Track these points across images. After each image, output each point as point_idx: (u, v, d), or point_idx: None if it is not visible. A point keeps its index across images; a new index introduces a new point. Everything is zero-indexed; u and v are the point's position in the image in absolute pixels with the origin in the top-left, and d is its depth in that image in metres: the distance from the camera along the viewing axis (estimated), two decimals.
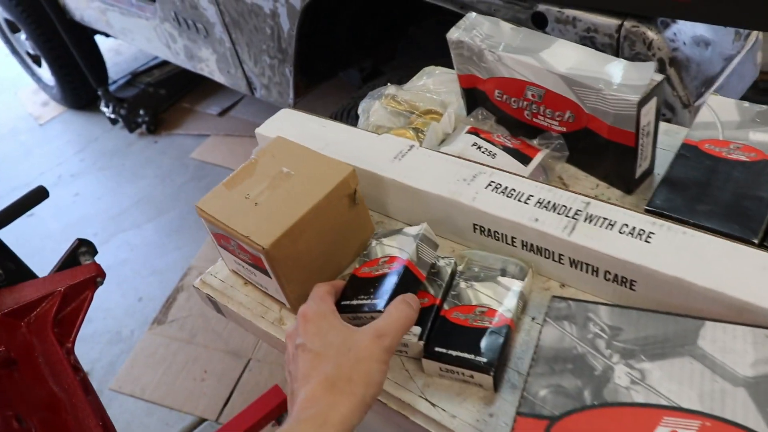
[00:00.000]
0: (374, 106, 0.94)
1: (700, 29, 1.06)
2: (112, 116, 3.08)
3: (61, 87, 3.27)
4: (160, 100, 3.11)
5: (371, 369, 0.54)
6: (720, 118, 0.74)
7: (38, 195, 1.34)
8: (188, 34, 2.08)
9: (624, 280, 0.63)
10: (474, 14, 0.86)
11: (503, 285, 0.67)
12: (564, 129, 0.79)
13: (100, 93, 3.06)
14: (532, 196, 0.69)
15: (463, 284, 0.68)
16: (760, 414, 0.48)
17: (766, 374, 0.51)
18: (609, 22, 1.03)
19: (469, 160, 0.76)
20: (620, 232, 0.63)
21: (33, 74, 3.48)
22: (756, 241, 0.62)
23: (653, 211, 0.67)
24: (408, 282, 0.66)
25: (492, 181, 0.72)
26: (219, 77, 2.17)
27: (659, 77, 0.70)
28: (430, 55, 1.15)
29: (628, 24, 1.01)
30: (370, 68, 2.16)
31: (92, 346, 2.17)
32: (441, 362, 0.62)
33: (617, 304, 0.61)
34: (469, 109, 0.93)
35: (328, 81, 2.01)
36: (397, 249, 0.70)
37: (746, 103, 0.75)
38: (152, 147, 3.03)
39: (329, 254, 0.75)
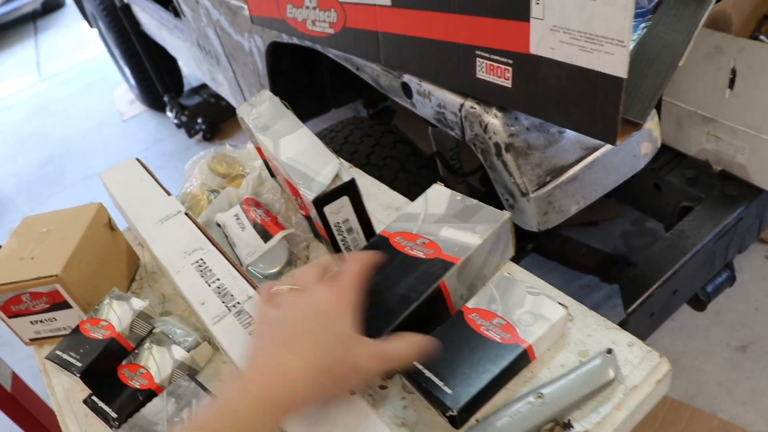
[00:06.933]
0: (200, 165, 1.01)
1: None
2: (176, 121, 3.35)
3: (140, 89, 3.61)
4: (220, 110, 3.33)
5: (350, 376, 0.52)
6: (427, 211, 0.72)
7: None
8: (207, 59, 2.25)
9: None
10: (265, 91, 0.90)
11: (171, 353, 0.72)
12: (302, 212, 0.82)
13: (166, 99, 3.34)
14: (218, 279, 0.73)
15: (147, 344, 0.74)
16: None
17: None
18: (454, 100, 1.02)
19: (207, 236, 0.81)
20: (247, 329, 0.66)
21: (123, 74, 3.86)
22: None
23: None
24: (114, 350, 0.75)
25: (200, 259, 0.77)
26: (232, 101, 2.31)
27: (348, 177, 0.70)
28: None
29: (468, 104, 1.00)
30: (380, 106, 2.20)
31: None
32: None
33: None
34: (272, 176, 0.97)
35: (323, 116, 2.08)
36: (116, 318, 0.77)
37: (459, 196, 0.73)
38: None
39: (110, 276, 0.88)
